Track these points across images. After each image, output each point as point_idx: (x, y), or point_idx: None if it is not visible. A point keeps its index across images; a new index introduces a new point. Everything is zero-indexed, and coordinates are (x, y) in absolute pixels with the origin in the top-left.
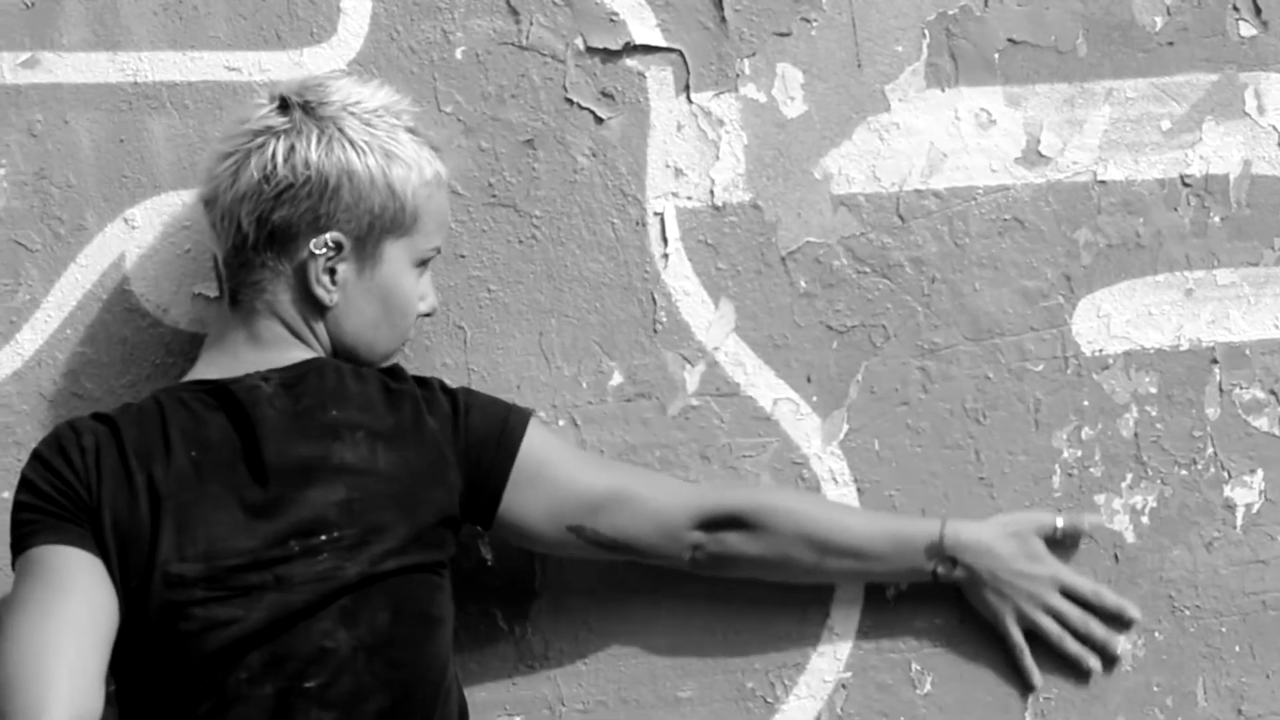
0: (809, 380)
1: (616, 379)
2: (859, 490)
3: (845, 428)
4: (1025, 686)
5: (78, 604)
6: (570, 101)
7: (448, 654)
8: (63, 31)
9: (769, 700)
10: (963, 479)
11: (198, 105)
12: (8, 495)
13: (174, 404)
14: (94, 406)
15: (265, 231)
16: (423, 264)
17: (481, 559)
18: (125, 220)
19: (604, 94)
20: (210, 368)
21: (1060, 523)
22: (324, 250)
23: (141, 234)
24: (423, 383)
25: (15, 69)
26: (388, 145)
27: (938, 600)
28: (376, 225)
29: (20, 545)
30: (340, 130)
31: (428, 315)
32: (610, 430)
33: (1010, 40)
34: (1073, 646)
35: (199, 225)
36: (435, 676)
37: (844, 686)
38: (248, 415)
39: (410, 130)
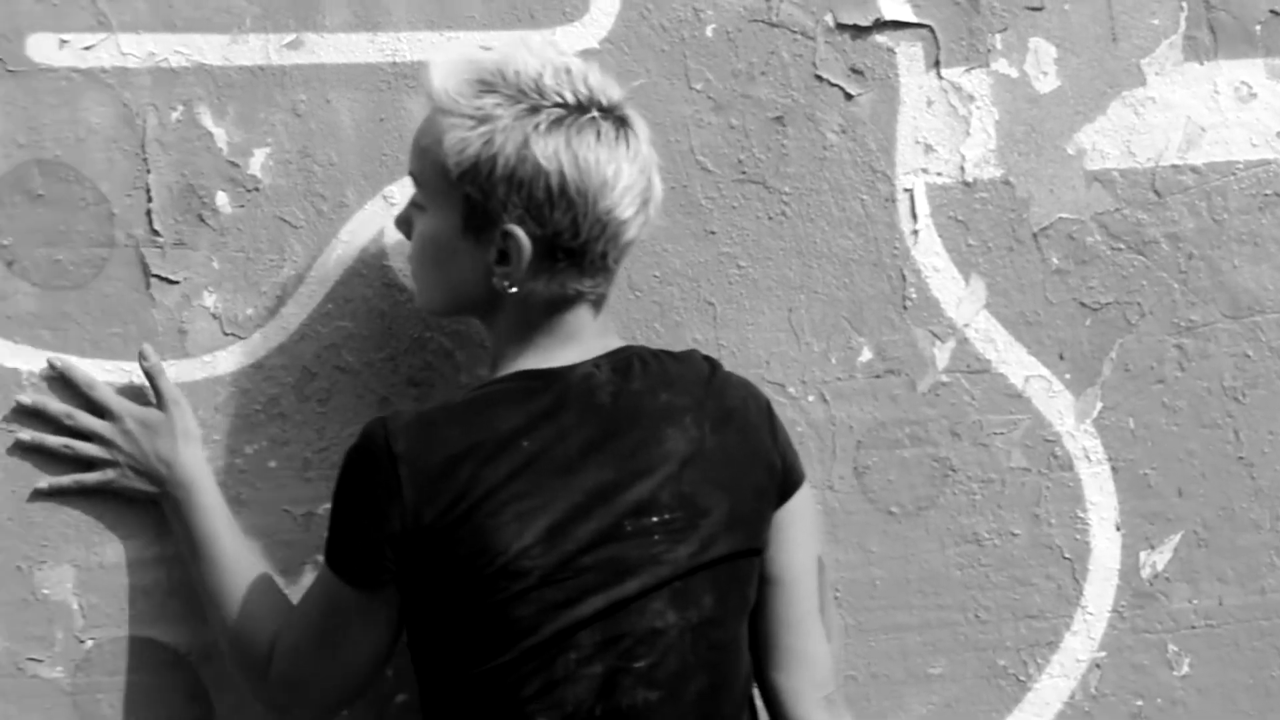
0: (1061, 357)
1: (866, 355)
2: (1113, 469)
3: (1099, 405)
4: None
5: (362, 653)
6: (820, 78)
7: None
8: (325, 14)
9: (1021, 679)
10: (1221, 458)
11: None
12: (273, 464)
13: (500, 397)
14: (354, 380)
15: (635, 237)
16: None
17: None
18: (384, 197)
19: (854, 70)
20: (538, 358)
21: None
22: None
23: (400, 210)
24: (743, 380)
25: (280, 50)
26: None
27: (1196, 580)
28: None
29: (328, 557)
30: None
31: None
32: (859, 406)
33: (1272, 11)
34: None
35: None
36: (746, 658)
37: (1098, 666)
38: (582, 403)
39: None
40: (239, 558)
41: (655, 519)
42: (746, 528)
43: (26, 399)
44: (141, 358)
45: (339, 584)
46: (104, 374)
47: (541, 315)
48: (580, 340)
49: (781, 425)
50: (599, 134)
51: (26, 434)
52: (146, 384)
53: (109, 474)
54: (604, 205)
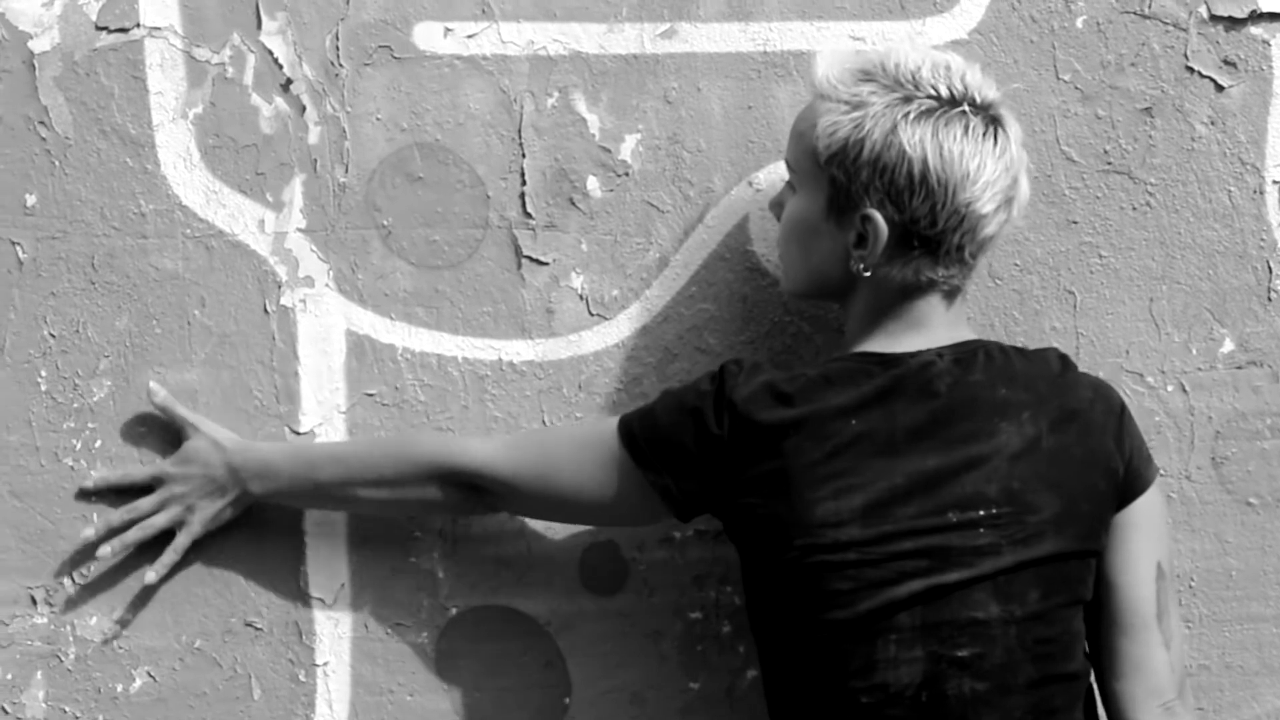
0: None
1: (1227, 346)
2: None
3: None
4: None
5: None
6: (1191, 70)
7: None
8: (699, 3)
9: None
10: None
11: None
12: None
13: (838, 375)
14: (715, 361)
15: (998, 236)
16: None
17: None
18: (750, 184)
19: (1226, 62)
20: (883, 342)
21: None
22: None
23: (765, 197)
24: (1094, 381)
25: (655, 39)
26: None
27: None
28: None
29: (625, 425)
30: (1004, 122)
31: None
32: (1220, 397)
33: None
34: None
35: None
36: (1079, 657)
37: None
38: (917, 389)
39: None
40: (352, 444)
41: (982, 512)
42: (1078, 529)
43: (91, 532)
44: (150, 394)
45: (618, 445)
46: (474, 351)
47: (893, 300)
48: (928, 328)
49: (1133, 428)
50: (967, 128)
51: (108, 548)
52: (511, 360)
53: (191, 521)
54: (963, 197)
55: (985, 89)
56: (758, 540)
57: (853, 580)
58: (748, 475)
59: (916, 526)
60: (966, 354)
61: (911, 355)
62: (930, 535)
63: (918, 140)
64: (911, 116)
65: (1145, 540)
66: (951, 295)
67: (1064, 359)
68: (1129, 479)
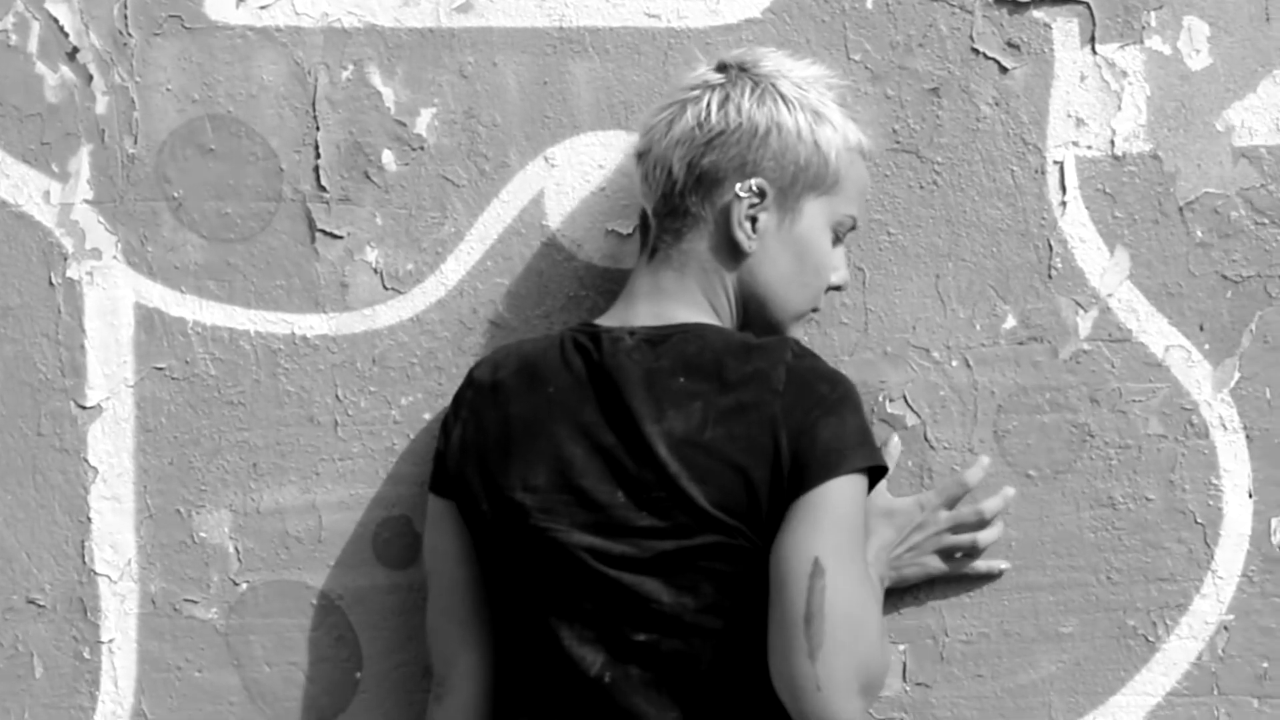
0: (1201, 328)
1: (1010, 322)
2: (1248, 437)
3: (1237, 375)
4: None
5: (449, 564)
6: (976, 51)
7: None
8: None
9: (1150, 639)
10: None
11: (618, 49)
12: (428, 416)
13: (556, 343)
14: (510, 335)
15: (694, 176)
16: (838, 234)
17: None
18: (545, 159)
19: (1009, 44)
20: (610, 317)
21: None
22: (748, 194)
23: (560, 172)
24: (802, 372)
25: (450, 13)
26: (817, 107)
27: None
28: (800, 178)
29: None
30: (773, 85)
31: (838, 289)
32: (1001, 372)
33: None
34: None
35: (633, 180)
36: (746, 653)
37: (1226, 629)
38: (605, 366)
39: (839, 103)
40: None
41: (644, 495)
42: (741, 521)
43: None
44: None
45: (433, 498)
46: (267, 325)
47: (638, 276)
48: (638, 303)
49: (833, 421)
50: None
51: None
52: (304, 334)
53: None
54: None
55: (745, 58)
56: (466, 506)
57: (533, 544)
58: (468, 437)
59: (591, 500)
60: (662, 335)
61: (608, 330)
62: (601, 511)
63: None
64: None
65: (806, 534)
66: (677, 265)
67: (785, 349)
68: (799, 471)
